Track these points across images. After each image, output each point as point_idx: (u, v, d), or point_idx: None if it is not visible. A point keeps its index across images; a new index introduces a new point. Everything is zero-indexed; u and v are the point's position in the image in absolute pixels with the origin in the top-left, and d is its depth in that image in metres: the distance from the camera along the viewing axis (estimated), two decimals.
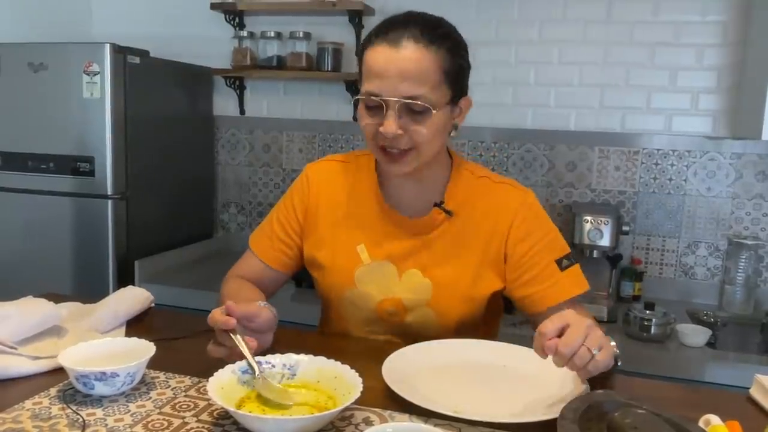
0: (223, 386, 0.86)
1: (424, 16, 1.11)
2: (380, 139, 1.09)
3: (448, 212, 1.19)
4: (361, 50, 1.13)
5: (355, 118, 2.68)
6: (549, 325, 0.89)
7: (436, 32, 1.08)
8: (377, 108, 1.08)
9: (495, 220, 1.19)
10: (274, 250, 1.28)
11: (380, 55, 1.06)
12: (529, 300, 1.19)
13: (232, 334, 0.94)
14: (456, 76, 1.11)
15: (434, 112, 1.07)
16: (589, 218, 2.22)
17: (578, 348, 0.86)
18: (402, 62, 1.05)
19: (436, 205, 1.20)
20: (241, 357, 0.92)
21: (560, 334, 0.88)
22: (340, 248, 1.23)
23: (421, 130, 1.08)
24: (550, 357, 1.00)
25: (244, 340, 0.94)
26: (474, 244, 1.20)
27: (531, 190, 1.24)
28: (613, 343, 0.96)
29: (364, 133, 1.13)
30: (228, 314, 0.96)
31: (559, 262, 1.18)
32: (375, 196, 1.23)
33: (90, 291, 2.20)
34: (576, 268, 1.19)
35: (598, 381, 0.96)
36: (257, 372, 0.90)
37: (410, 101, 1.05)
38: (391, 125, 1.06)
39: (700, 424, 0.80)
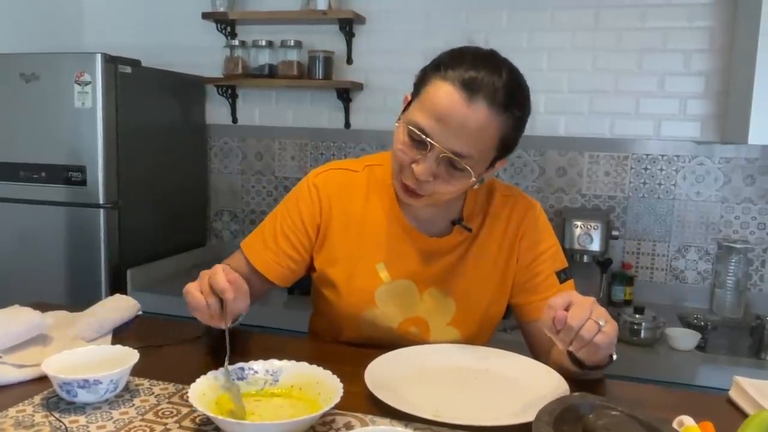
0: (205, 392, 0.87)
1: (510, 69, 1.02)
2: (407, 173, 1.05)
3: (468, 229, 1.17)
4: (426, 70, 1.05)
5: (347, 126, 2.69)
6: (557, 299, 0.91)
7: (514, 98, 1.01)
8: (419, 142, 1.01)
9: (508, 234, 1.20)
10: (281, 267, 1.21)
11: (448, 98, 0.98)
12: (526, 308, 1.20)
13: (224, 327, 0.98)
14: (509, 145, 1.06)
15: (472, 177, 1.03)
16: (579, 223, 2.23)
17: (585, 321, 0.88)
18: (467, 119, 0.98)
19: (454, 222, 1.18)
20: (217, 324, 0.98)
21: (566, 311, 0.90)
22: (357, 266, 1.18)
23: (451, 183, 1.04)
24: (540, 363, 1.03)
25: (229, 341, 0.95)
26: (492, 259, 1.19)
27: (538, 201, 1.25)
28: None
29: (394, 156, 1.07)
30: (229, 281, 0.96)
31: (558, 274, 1.19)
32: (394, 213, 1.18)
33: (82, 300, 2.18)
34: (571, 283, 1.21)
35: (581, 384, 0.98)
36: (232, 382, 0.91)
37: (455, 158, 1.00)
38: (425, 171, 1.01)
39: (674, 425, 0.81)
